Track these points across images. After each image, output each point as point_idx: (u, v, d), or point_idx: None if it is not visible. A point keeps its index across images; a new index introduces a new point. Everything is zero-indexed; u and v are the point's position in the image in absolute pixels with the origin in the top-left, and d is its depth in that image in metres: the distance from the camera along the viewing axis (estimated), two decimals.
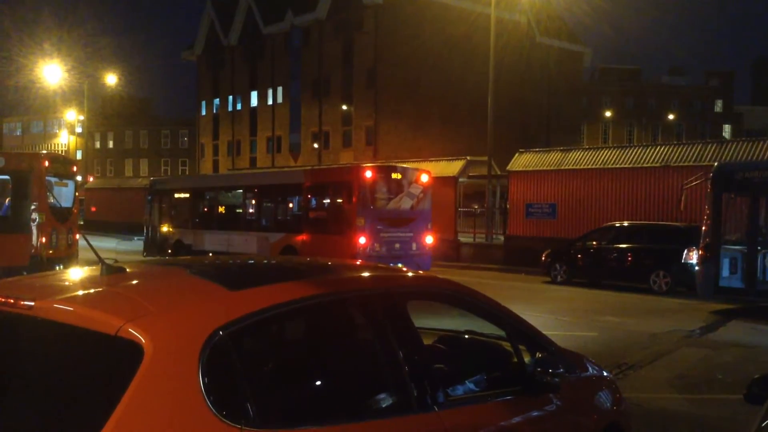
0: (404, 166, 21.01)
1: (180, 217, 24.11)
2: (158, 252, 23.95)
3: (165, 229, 24.24)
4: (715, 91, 78.68)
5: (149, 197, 25.26)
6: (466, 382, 3.40)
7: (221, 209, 23.43)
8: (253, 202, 22.14)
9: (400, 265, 15.12)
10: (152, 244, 24.64)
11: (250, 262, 4.09)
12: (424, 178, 19.38)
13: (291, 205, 21.09)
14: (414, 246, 18.86)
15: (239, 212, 22.55)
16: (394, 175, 18.84)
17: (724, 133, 73.61)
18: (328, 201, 19.74)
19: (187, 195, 24.27)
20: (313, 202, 20.12)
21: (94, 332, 2.23)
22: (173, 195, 24.68)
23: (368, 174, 18.25)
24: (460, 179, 27.73)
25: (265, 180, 23.68)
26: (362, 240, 17.69)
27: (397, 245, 18.47)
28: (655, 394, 7.84)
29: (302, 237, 19.39)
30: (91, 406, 2.12)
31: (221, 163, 57.54)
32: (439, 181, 27.00)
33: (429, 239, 19.35)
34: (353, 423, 2.61)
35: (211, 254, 21.26)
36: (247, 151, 55.39)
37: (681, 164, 20.77)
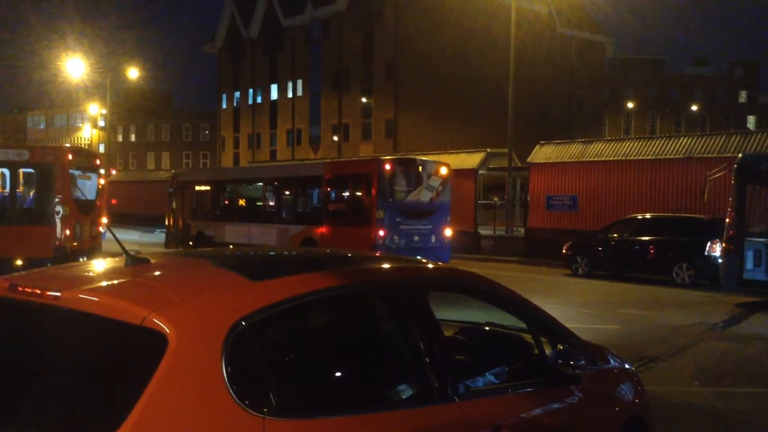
0: (424, 158, 20.98)
1: (201, 209, 24.27)
2: (180, 244, 24.11)
3: (187, 221, 24.42)
4: (739, 82, 77.49)
5: (171, 189, 25.45)
6: (487, 373, 3.40)
7: (242, 201, 23.55)
8: (274, 194, 22.24)
9: (418, 257, 15.08)
10: (174, 236, 24.84)
11: (272, 253, 4.11)
12: (444, 170, 19.35)
13: (311, 197, 21.17)
14: (433, 238, 18.85)
15: (260, 204, 22.66)
16: (413, 168, 18.85)
17: (748, 124, 72.52)
18: (348, 193, 19.77)
19: (209, 187, 24.41)
20: (333, 194, 20.16)
21: (119, 322, 2.26)
22: (195, 187, 24.84)
23: (388, 166, 18.26)
24: (480, 171, 27.61)
25: (286, 172, 23.78)
26: (381, 232, 17.73)
27: (416, 237, 18.47)
28: (677, 387, 7.78)
29: (322, 229, 19.44)
30: (116, 395, 2.15)
31: (242, 155, 57.83)
32: (459, 173, 26.90)
33: (448, 232, 19.34)
34: (374, 413, 2.62)
35: (231, 246, 21.35)
36: (268, 143, 55.63)
37: (704, 155, 20.51)
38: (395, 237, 17.93)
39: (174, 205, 25.16)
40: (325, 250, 4.14)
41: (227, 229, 22.72)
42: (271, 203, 22.31)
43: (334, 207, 19.81)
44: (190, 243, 23.67)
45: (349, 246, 17.19)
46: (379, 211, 17.82)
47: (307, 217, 20.59)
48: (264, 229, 21.42)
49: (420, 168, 18.94)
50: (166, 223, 25.61)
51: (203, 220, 23.78)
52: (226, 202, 23.99)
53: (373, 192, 18.05)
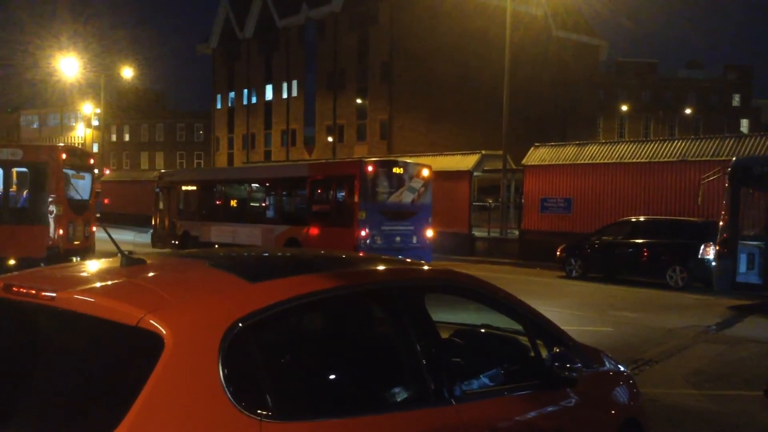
0: (406, 160, 21.27)
1: (187, 209, 24.55)
2: (166, 243, 24.33)
3: (173, 220, 24.67)
4: (732, 85, 77.82)
5: (157, 189, 25.78)
6: (484, 376, 3.40)
7: (227, 202, 23.77)
8: (259, 195, 22.61)
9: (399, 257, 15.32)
10: (160, 235, 25.04)
11: (267, 254, 4.09)
12: (425, 172, 19.70)
13: (295, 198, 21.49)
14: (415, 239, 19.21)
15: (245, 205, 22.96)
16: (395, 170, 19.20)
17: (741, 128, 72.79)
18: (331, 194, 20.05)
19: (195, 187, 24.69)
20: (317, 195, 20.44)
21: (115, 323, 2.25)
22: (181, 187, 25.11)
23: (370, 168, 18.60)
24: (475, 173, 27.63)
25: (270, 173, 24.19)
26: (363, 233, 18.07)
27: (398, 238, 18.83)
28: (671, 390, 7.79)
29: (306, 229, 19.73)
30: (112, 397, 2.14)
31: (236, 156, 57.73)
32: (454, 175, 26.95)
33: (429, 233, 19.69)
34: (371, 415, 2.61)
35: (217, 246, 21.57)
36: (262, 144, 55.55)
37: (698, 159, 20.58)
38: (377, 237, 18.28)
39: (160, 204, 25.44)
40: (319, 252, 4.12)
41: (213, 228, 22.94)
42: (256, 203, 22.63)
43: (318, 208, 20.07)
44: (175, 242, 23.91)
45: (332, 246, 17.67)
46: (361, 212, 18.16)
47: (292, 218, 20.85)
48: (249, 229, 21.68)
49: (402, 170, 19.29)
50: (153, 222, 25.82)
51: (189, 219, 24.03)
52: (212, 202, 24.18)
53: (356, 193, 18.38)
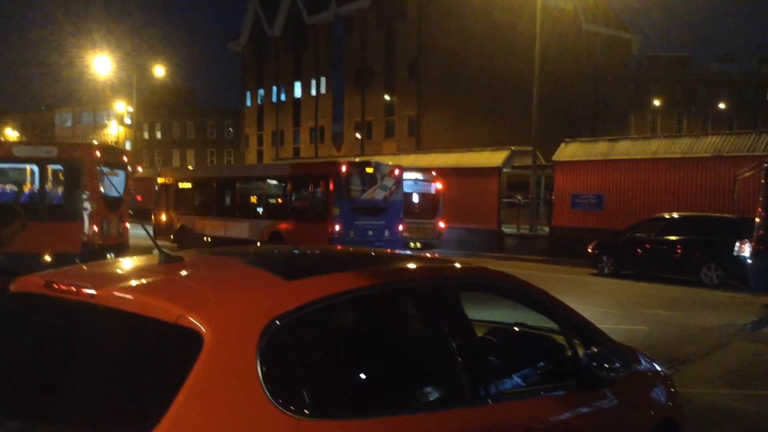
0: (378, 160, 22.52)
1: (184, 205, 25.76)
2: (164, 236, 25.64)
3: (171, 215, 26.03)
4: (766, 79, 76.31)
5: (156, 187, 27.12)
6: (519, 375, 3.36)
7: (219, 198, 24.91)
8: (246, 192, 23.89)
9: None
10: (159, 229, 26.39)
11: (299, 252, 4.09)
12: (396, 171, 21.05)
13: (278, 195, 22.69)
14: (386, 233, 20.41)
15: (234, 201, 24.11)
16: (367, 170, 20.48)
17: None
18: (309, 192, 21.33)
19: (190, 185, 26.00)
20: (296, 193, 21.78)
21: (154, 320, 2.26)
22: (178, 185, 26.36)
23: (344, 168, 19.96)
24: (504, 169, 27.46)
25: (257, 172, 26.03)
26: (338, 227, 19.35)
27: (370, 232, 20.06)
28: (707, 390, 7.67)
29: (287, 224, 20.93)
30: (153, 394, 2.16)
31: (266, 153, 58.14)
32: (483, 171, 26.84)
33: (401, 227, 21.03)
34: (407, 414, 2.60)
35: (209, 239, 23.45)
36: (291, 141, 55.86)
37: (733, 154, 20.20)
38: (351, 231, 19.52)
39: (160, 201, 26.77)
40: (351, 249, 4.11)
41: (206, 223, 24.18)
42: (243, 200, 23.81)
43: (297, 204, 21.47)
44: (172, 236, 25.29)
45: (310, 240, 19.29)
46: (335, 208, 19.42)
47: (274, 213, 21.93)
48: (237, 223, 22.89)
49: (374, 170, 20.54)
50: (153, 217, 27.10)
51: (185, 214, 25.28)
52: (205, 198, 25.35)
53: (331, 191, 19.62)
